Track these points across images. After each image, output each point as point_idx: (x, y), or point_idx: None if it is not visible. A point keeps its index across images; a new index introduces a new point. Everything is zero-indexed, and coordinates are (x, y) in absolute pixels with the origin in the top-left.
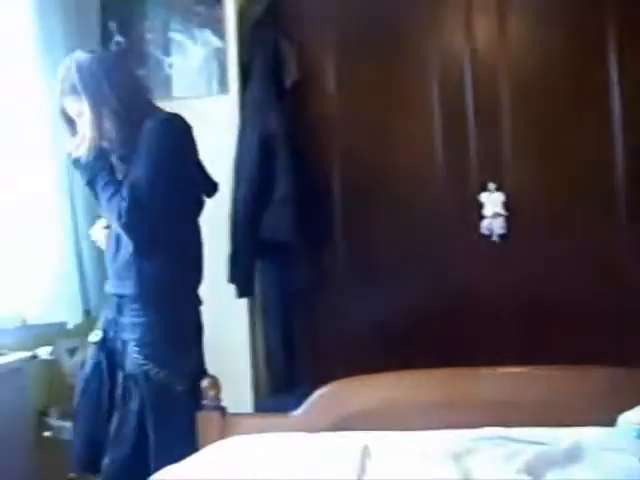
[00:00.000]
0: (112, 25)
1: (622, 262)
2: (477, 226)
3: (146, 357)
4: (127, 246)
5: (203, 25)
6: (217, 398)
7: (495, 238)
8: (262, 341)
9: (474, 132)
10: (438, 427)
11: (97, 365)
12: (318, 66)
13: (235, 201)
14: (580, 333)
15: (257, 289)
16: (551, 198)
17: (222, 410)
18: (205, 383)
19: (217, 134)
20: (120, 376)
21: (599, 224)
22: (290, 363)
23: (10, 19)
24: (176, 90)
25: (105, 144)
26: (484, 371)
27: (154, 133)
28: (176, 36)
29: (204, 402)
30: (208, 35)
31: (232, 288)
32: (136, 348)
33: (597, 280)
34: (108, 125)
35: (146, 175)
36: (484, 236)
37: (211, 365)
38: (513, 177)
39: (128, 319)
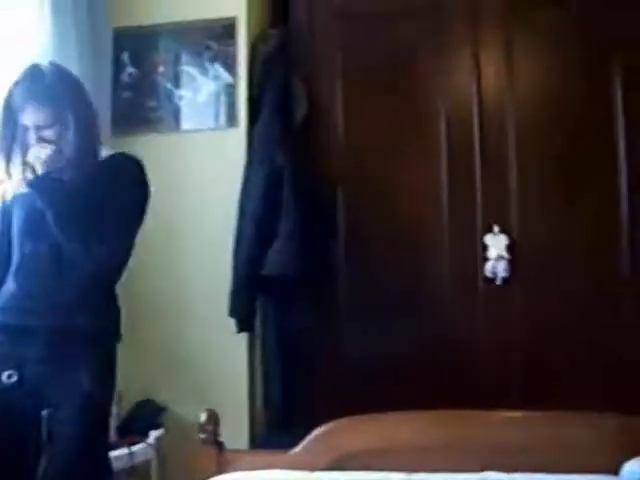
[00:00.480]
0: (124, 56)
1: (624, 313)
2: (481, 268)
3: (100, 385)
4: (78, 280)
5: (214, 59)
6: (215, 433)
7: (499, 281)
8: (260, 377)
9: (480, 172)
10: (440, 469)
11: (18, 409)
12: (327, 103)
13: (238, 235)
14: (583, 380)
15: (257, 324)
16: (555, 243)
17: (220, 445)
18: (203, 418)
19: (224, 168)
20: (44, 414)
21: (602, 273)
22: (288, 400)
23: (27, 47)
24: (184, 123)
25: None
26: (487, 414)
27: (133, 185)
28: (187, 69)
29: (202, 436)
30: (219, 69)
31: (232, 322)
32: (86, 378)
33: (599, 330)
34: (71, 143)
35: (122, 245)
36: (487, 279)
37: (209, 399)
38: (518, 220)
39: (75, 350)
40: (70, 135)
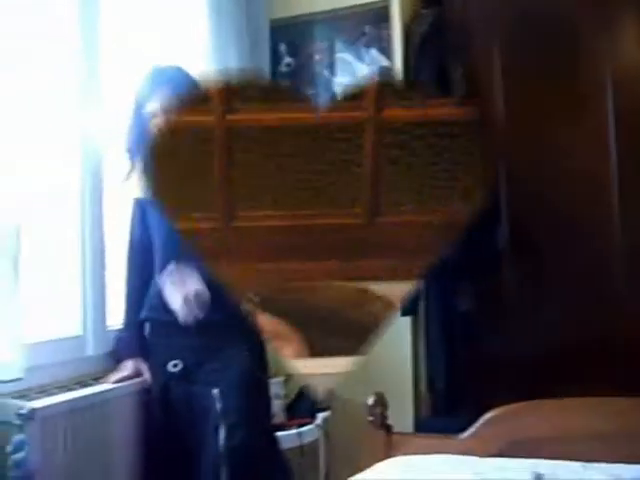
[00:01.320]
0: (282, 47)
1: None
2: None
3: (257, 361)
4: None
5: (369, 44)
6: (383, 416)
7: None
8: (424, 360)
9: None
10: (616, 459)
11: (188, 393)
12: (485, 83)
13: None
14: None
15: (421, 308)
16: None
17: (388, 428)
18: (371, 400)
19: None
20: (216, 393)
21: None
22: (452, 384)
23: (186, 42)
24: None
25: None
26: None
27: None
28: (343, 56)
29: (370, 419)
30: (374, 54)
31: None
32: (247, 353)
33: None
34: None
35: None
36: None
37: (374, 382)
38: None
39: (227, 336)
40: None
